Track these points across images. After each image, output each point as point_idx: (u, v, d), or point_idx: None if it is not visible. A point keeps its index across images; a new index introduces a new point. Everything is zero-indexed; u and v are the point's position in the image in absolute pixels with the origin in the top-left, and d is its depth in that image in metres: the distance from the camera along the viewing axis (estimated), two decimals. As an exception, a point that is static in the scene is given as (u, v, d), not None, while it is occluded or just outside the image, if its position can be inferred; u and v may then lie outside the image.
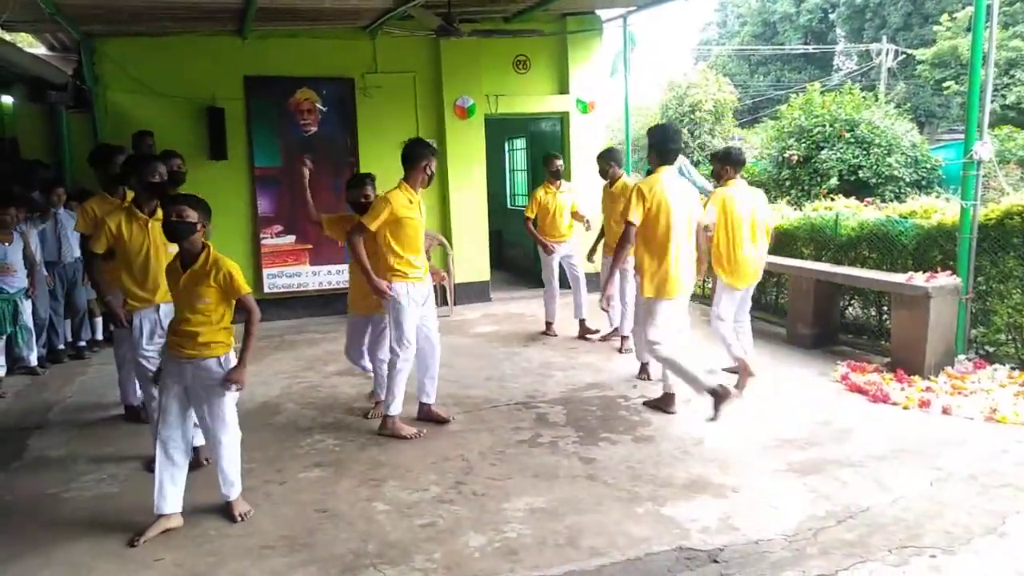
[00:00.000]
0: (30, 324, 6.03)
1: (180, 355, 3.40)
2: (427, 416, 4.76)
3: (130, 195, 4.29)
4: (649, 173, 4.68)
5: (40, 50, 8.67)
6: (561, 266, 6.99)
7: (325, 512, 3.58)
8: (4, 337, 5.83)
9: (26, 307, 5.92)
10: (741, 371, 5.13)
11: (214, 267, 3.36)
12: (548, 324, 7.12)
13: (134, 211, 4.00)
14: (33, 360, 6.16)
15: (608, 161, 6.30)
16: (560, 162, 6.99)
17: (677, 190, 4.54)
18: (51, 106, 7.38)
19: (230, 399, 3.49)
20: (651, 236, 4.50)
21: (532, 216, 6.87)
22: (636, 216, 4.45)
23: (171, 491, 3.41)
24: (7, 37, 7.38)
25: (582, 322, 6.94)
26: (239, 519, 3.51)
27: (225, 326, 3.45)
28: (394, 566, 3.08)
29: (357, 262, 4.44)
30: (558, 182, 6.91)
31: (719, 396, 4.20)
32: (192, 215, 3.34)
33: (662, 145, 4.58)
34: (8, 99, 7.44)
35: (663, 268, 4.48)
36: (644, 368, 5.54)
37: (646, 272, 4.54)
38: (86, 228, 4.28)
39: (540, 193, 6.91)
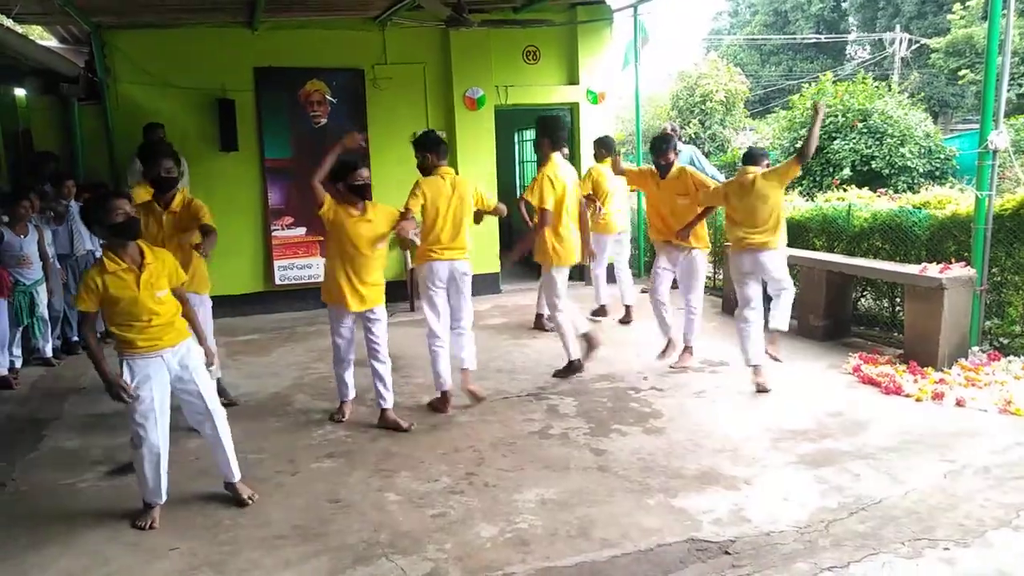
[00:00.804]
0: (46, 315, 6.08)
1: (160, 347, 3.35)
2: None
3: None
4: (542, 160, 5.25)
5: (51, 42, 8.70)
6: None
7: (337, 502, 3.61)
8: (21, 328, 5.89)
9: (42, 298, 5.97)
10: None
11: (161, 258, 3.41)
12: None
13: (152, 204, 4.16)
14: (48, 351, 6.22)
15: (600, 148, 6.80)
16: (565, 150, 6.94)
17: (567, 173, 5.18)
18: (63, 98, 7.40)
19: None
20: (557, 215, 5.09)
21: (530, 199, 6.81)
22: (549, 202, 5.04)
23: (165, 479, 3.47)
24: (19, 29, 7.41)
25: (540, 316, 6.96)
26: (249, 502, 3.55)
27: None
28: (406, 556, 3.10)
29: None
30: None
31: (591, 342, 5.23)
32: (134, 210, 3.35)
33: (553, 133, 5.18)
34: (21, 91, 7.48)
35: (566, 241, 5.18)
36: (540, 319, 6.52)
37: (551, 245, 5.16)
38: None
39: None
